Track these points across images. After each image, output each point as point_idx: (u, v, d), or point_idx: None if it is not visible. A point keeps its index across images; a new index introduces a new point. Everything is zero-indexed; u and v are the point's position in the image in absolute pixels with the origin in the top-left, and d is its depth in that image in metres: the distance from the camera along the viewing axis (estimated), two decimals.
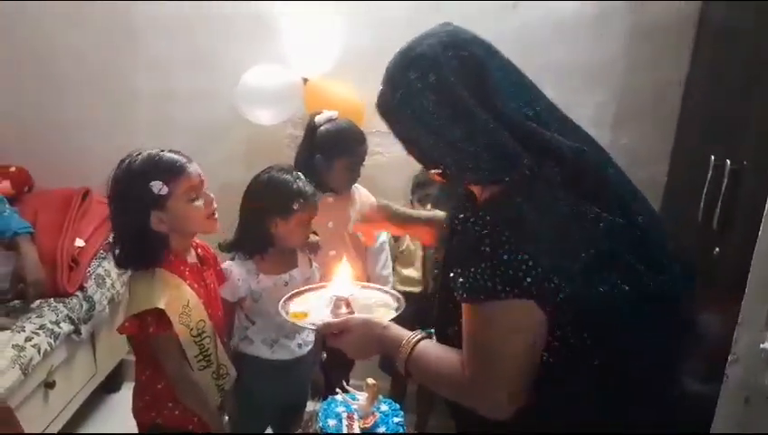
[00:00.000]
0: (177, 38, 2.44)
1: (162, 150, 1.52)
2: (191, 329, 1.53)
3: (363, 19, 2.35)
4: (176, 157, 1.51)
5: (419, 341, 1.13)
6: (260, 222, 1.75)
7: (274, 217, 1.74)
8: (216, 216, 1.57)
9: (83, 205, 2.34)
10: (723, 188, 1.66)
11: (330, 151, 2.04)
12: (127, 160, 1.50)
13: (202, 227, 1.57)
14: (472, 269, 0.98)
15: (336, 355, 2.04)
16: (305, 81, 2.32)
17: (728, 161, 1.64)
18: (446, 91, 1.00)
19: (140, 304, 1.48)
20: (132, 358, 1.73)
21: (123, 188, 1.49)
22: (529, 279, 0.94)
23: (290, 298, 1.45)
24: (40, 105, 2.55)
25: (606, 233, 0.99)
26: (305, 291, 1.49)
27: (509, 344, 0.99)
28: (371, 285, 1.48)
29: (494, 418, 1.04)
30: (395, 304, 1.41)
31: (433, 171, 1.11)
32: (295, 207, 1.73)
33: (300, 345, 1.87)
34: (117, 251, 1.54)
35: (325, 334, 1.27)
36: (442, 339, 1.17)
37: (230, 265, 1.80)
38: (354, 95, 2.36)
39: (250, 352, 1.83)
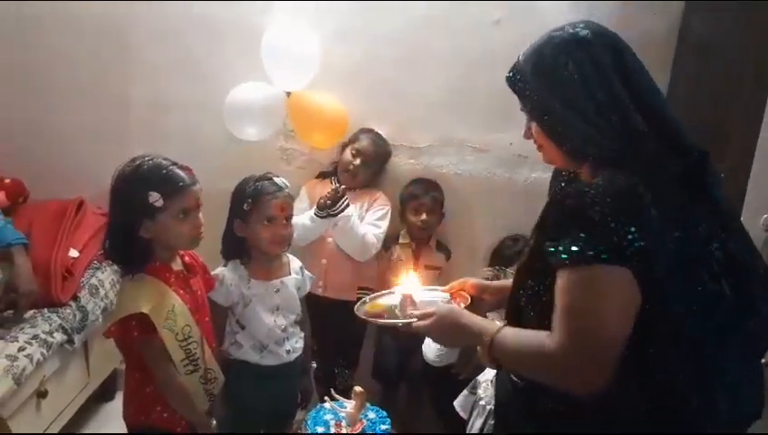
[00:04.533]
0: (169, 49, 2.48)
1: (173, 164, 1.57)
2: (176, 334, 1.56)
3: (343, 33, 2.41)
4: (182, 175, 1.56)
5: (502, 327, 1.15)
6: (228, 226, 1.86)
7: (235, 219, 1.84)
8: (202, 236, 1.62)
9: (78, 215, 2.36)
10: None
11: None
12: (138, 162, 1.55)
13: (183, 244, 1.64)
14: (582, 235, 1.00)
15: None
16: (288, 94, 2.37)
17: None
18: (594, 69, 1.07)
19: (125, 309, 1.52)
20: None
21: (125, 187, 1.54)
22: (632, 250, 0.98)
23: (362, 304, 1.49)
24: (34, 116, 2.57)
25: (704, 238, 1.05)
26: (377, 297, 1.54)
27: (607, 310, 1.00)
28: (435, 287, 1.53)
29: (582, 392, 1.03)
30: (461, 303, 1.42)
31: (554, 150, 1.15)
32: (245, 208, 1.80)
33: (288, 352, 1.90)
34: (107, 243, 1.60)
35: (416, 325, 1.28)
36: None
37: (222, 271, 1.86)
38: (338, 105, 2.41)
39: (239, 356, 1.86)
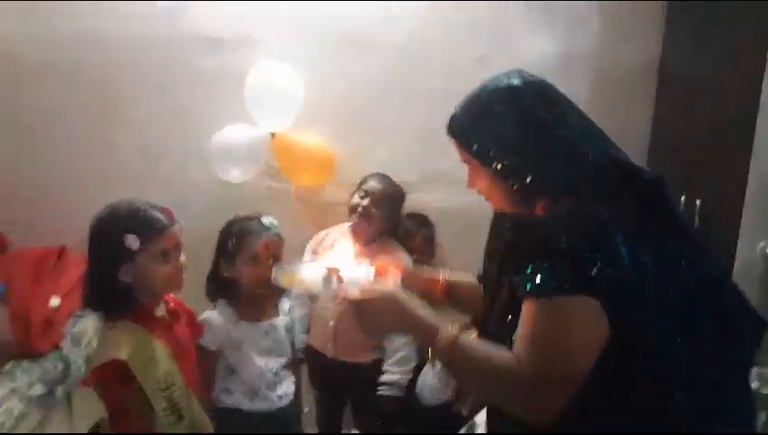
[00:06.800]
0: (155, 97, 2.48)
1: (150, 206, 1.53)
2: (158, 381, 1.49)
3: (326, 72, 2.42)
4: (159, 216, 1.52)
5: (465, 331, 1.11)
6: (214, 266, 1.84)
7: (221, 259, 1.82)
8: (183, 278, 1.57)
9: (59, 263, 2.31)
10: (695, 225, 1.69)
11: None
12: (114, 206, 1.52)
13: (164, 287, 1.58)
14: (545, 265, 1.00)
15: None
16: (273, 135, 2.35)
17: (698, 201, 1.68)
18: (529, 115, 1.10)
19: (103, 356, 1.47)
20: None
21: (101, 232, 1.51)
22: (599, 278, 0.98)
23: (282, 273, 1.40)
24: (16, 165, 2.54)
25: (674, 258, 1.06)
26: (297, 269, 1.42)
27: (571, 340, 1.00)
28: (361, 262, 1.43)
29: (536, 418, 1.02)
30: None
31: (503, 192, 1.16)
32: (230, 247, 1.79)
33: (280, 397, 1.85)
34: (85, 291, 1.55)
35: (353, 305, 1.20)
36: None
37: (210, 314, 1.82)
38: (323, 144, 2.41)
39: (230, 404, 1.81)
